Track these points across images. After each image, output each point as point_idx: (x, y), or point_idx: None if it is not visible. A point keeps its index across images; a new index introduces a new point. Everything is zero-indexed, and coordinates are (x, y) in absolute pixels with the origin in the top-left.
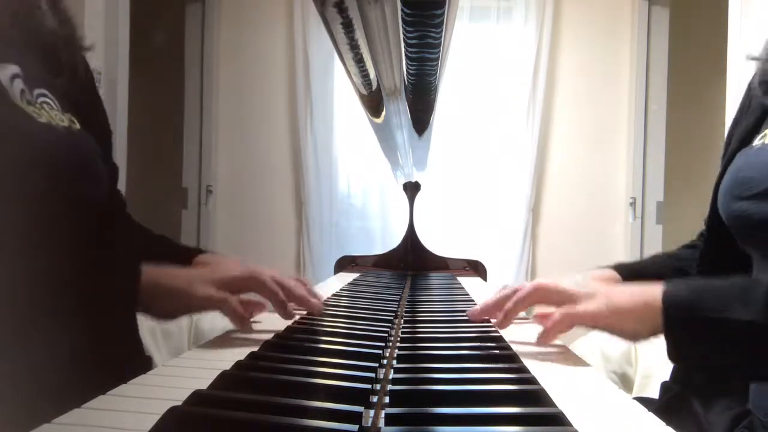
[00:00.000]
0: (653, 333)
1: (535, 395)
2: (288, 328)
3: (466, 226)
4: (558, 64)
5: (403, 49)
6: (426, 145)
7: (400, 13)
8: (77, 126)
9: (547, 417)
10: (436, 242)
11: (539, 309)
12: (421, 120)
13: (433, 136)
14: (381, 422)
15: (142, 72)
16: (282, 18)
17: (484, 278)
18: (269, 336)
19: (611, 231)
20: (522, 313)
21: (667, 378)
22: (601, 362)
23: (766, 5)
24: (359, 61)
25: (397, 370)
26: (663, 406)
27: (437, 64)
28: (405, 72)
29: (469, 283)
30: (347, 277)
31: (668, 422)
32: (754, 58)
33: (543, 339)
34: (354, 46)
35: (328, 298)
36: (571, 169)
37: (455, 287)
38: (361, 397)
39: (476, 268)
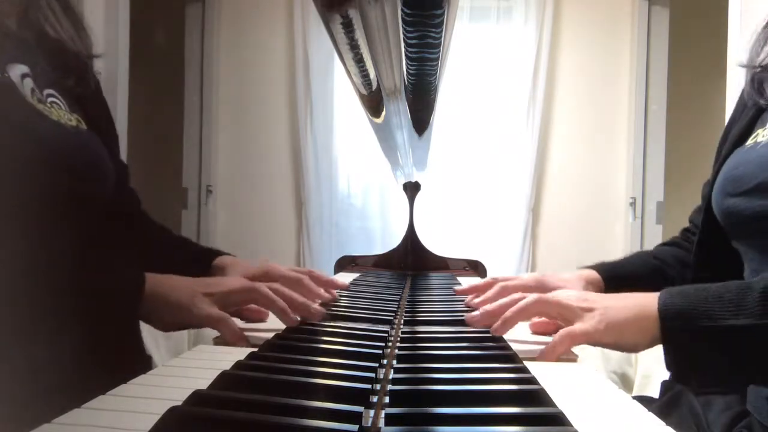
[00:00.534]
0: (651, 344)
1: (535, 395)
2: (288, 328)
3: (466, 226)
4: (558, 64)
5: (403, 49)
6: (426, 145)
7: (400, 13)
8: (84, 126)
9: (547, 417)
10: (436, 242)
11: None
12: (421, 120)
13: (433, 136)
14: (381, 422)
15: (142, 72)
16: (282, 18)
17: (484, 278)
18: (269, 336)
19: (611, 231)
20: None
21: (667, 377)
22: (601, 362)
23: (766, 5)
24: (359, 61)
25: (397, 370)
26: (663, 404)
27: (437, 64)
28: (405, 72)
29: (469, 283)
30: (347, 277)
31: (668, 421)
32: (743, 66)
33: (543, 359)
34: (354, 46)
35: (337, 298)
36: (571, 169)
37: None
38: (361, 397)
39: (476, 268)
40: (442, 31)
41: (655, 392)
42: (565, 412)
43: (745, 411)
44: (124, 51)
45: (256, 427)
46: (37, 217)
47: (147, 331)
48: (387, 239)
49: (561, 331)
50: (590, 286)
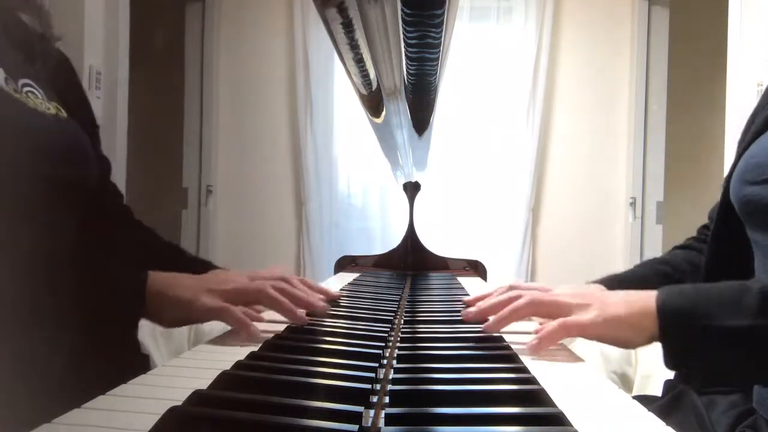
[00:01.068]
0: (647, 341)
1: (535, 395)
2: (288, 328)
3: (466, 226)
4: (558, 64)
5: (403, 49)
6: (426, 145)
7: (400, 13)
8: (64, 114)
9: (547, 417)
10: (436, 242)
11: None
12: (421, 120)
13: (433, 136)
14: (381, 422)
15: (142, 72)
16: (282, 18)
17: (484, 278)
18: (269, 336)
19: (611, 231)
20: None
21: (668, 377)
22: (601, 362)
23: (766, 5)
24: (359, 61)
25: (397, 370)
26: (665, 404)
27: (437, 64)
28: (405, 72)
29: (469, 283)
30: (347, 277)
31: (671, 420)
32: None
33: (534, 349)
34: (354, 46)
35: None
36: (571, 169)
37: (455, 287)
38: (361, 397)
39: (476, 268)
40: (442, 31)
41: (654, 392)
42: (565, 412)
43: (749, 410)
44: (124, 51)
45: (256, 427)
46: (29, 209)
47: (147, 330)
48: (387, 239)
49: (555, 321)
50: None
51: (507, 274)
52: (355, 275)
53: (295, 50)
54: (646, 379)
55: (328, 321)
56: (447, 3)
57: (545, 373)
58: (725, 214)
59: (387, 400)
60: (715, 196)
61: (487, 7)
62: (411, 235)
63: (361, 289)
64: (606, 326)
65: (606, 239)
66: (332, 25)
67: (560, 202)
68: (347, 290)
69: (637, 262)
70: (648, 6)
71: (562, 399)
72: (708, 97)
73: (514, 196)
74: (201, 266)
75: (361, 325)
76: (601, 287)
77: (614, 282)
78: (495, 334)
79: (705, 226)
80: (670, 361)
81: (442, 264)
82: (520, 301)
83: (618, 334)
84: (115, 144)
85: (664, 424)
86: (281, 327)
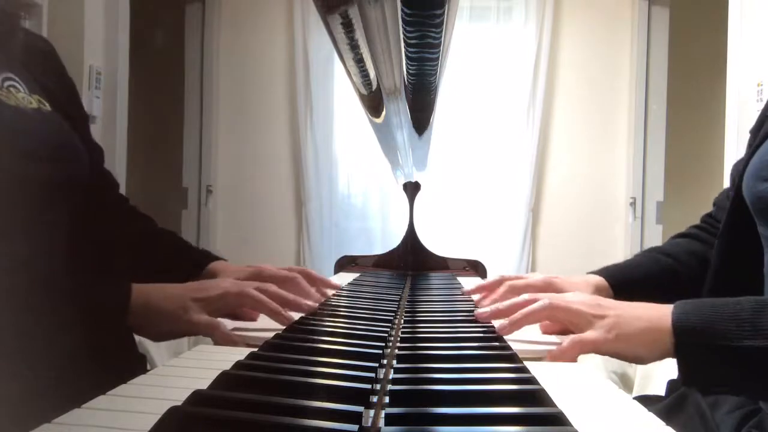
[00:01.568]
0: (661, 357)
1: (535, 395)
2: (288, 328)
3: (466, 226)
4: (558, 64)
5: (403, 49)
6: (426, 145)
7: (400, 13)
8: (47, 107)
9: (547, 417)
10: (436, 242)
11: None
12: (421, 120)
13: (433, 136)
14: (381, 422)
15: (142, 72)
16: (282, 18)
17: (484, 278)
18: (269, 336)
19: (611, 231)
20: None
21: (670, 377)
22: (601, 362)
23: (766, 5)
24: (359, 61)
25: (397, 370)
26: (669, 404)
27: (437, 64)
28: (405, 72)
29: (469, 283)
30: (347, 277)
31: (675, 420)
32: None
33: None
34: (354, 46)
35: (329, 297)
36: (571, 168)
37: (455, 287)
38: (361, 397)
39: (476, 268)
40: (442, 31)
41: (654, 392)
42: (565, 412)
43: (754, 410)
44: (124, 51)
45: (256, 427)
46: (13, 213)
47: None
48: (387, 239)
49: (570, 338)
50: (599, 293)
51: (507, 274)
52: (355, 275)
53: (295, 50)
54: (647, 379)
55: (328, 321)
56: (447, 3)
57: (545, 373)
58: (736, 210)
59: (387, 400)
60: (716, 196)
61: (487, 7)
62: (411, 235)
63: (361, 289)
64: (620, 343)
65: (606, 239)
66: (332, 25)
67: (560, 202)
68: (347, 290)
69: None
70: (648, 6)
71: (562, 399)
72: (708, 97)
73: (514, 196)
74: (198, 254)
75: (361, 324)
76: (604, 281)
77: (616, 271)
78: (495, 334)
79: (709, 215)
80: (685, 378)
81: (442, 264)
82: (537, 305)
83: (631, 351)
84: (115, 144)
85: (665, 424)
86: (281, 327)
